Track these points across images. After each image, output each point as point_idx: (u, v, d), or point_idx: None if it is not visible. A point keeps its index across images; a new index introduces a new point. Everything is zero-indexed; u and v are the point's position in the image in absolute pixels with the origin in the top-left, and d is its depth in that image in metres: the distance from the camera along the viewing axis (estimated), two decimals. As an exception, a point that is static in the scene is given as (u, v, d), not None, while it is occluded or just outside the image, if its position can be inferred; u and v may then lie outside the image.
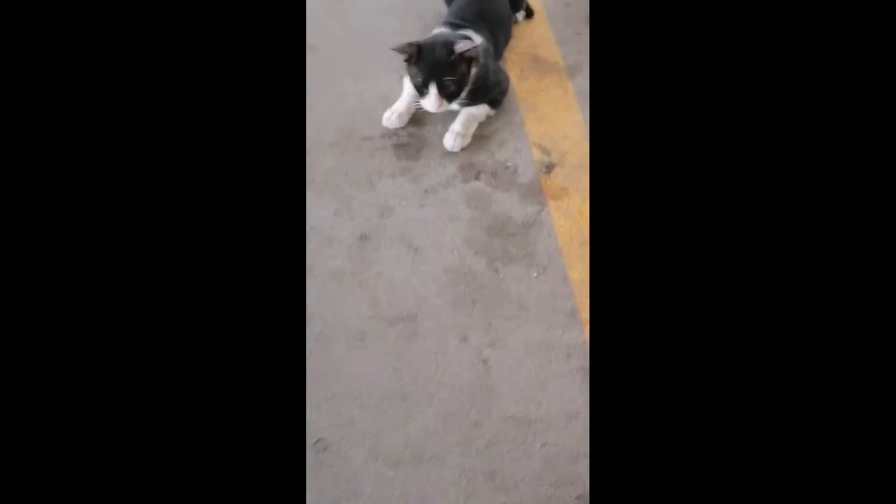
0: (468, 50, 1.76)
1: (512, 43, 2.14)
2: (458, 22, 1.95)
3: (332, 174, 1.83)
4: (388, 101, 1.98)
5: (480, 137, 1.91)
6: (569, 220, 1.73)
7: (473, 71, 1.81)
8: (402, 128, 1.93)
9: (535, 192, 1.79)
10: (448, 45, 1.76)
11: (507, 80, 1.98)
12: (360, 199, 1.78)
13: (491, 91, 1.91)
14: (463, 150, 1.87)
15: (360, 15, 2.26)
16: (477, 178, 1.83)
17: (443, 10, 2.16)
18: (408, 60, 1.81)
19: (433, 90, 1.77)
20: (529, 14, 2.23)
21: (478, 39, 1.90)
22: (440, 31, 1.93)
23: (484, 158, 1.87)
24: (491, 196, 1.78)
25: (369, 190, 1.79)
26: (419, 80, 1.78)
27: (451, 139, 1.86)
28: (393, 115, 1.91)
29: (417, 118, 1.94)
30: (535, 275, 1.63)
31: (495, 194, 1.79)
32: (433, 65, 1.75)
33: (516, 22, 2.19)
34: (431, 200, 1.77)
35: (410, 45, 1.77)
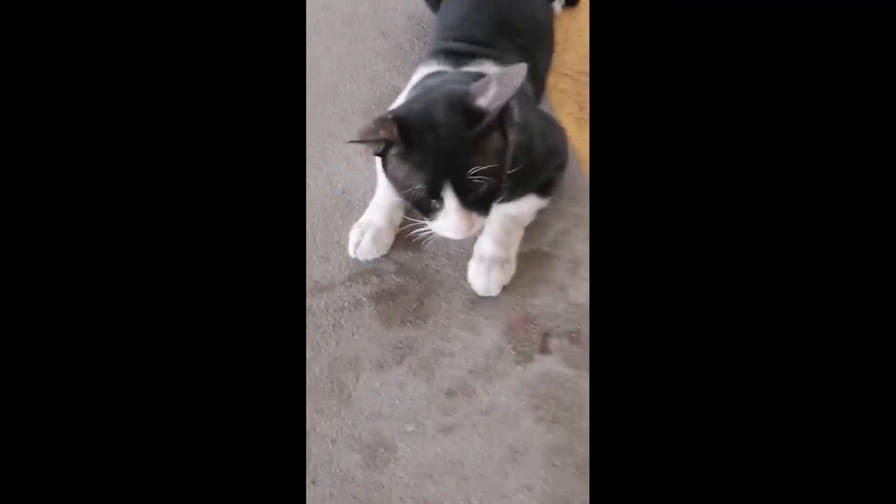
0: (500, 98, 0.84)
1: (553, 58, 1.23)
2: (459, 48, 1.03)
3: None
4: (352, 199, 1.09)
5: (533, 256, 1.03)
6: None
7: (512, 139, 0.91)
8: (385, 256, 1.04)
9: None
10: (461, 101, 0.85)
11: (563, 138, 1.08)
12: (324, 431, 0.90)
13: (542, 168, 1.01)
14: (505, 287, 0.99)
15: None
16: (544, 348, 0.95)
17: (426, 15, 1.25)
18: (382, 154, 0.89)
19: (451, 203, 0.86)
20: (572, 0, 1.31)
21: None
22: (431, 69, 1.02)
23: (548, 302, 0.99)
24: (577, 386, 0.91)
25: (342, 407, 0.92)
26: (419, 188, 0.86)
27: (484, 273, 0.98)
28: (365, 238, 1.02)
29: (407, 231, 1.03)
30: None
31: (582, 381, 0.91)
32: (439, 151, 0.84)
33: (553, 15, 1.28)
34: (462, 414, 0.90)
35: (383, 121, 0.85)
